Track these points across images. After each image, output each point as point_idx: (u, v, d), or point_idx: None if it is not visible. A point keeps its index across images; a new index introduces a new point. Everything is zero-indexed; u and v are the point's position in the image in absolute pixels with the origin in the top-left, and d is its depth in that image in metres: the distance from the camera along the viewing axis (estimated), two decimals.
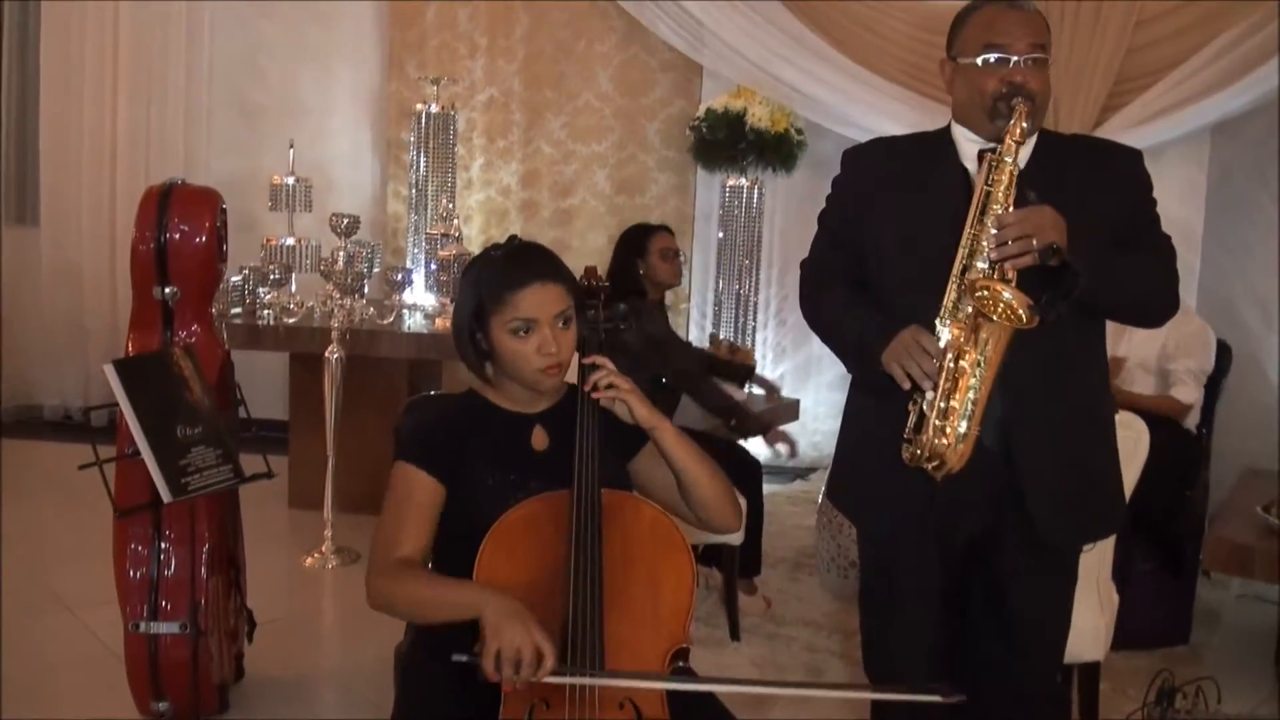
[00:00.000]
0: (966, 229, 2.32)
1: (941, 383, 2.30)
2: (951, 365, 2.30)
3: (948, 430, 2.31)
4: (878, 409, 2.50)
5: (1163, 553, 4.46)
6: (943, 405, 2.31)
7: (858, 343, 2.48)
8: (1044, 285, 2.25)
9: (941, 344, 2.32)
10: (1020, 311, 2.22)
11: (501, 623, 2.02)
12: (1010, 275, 2.27)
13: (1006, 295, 2.23)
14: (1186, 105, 5.65)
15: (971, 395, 2.29)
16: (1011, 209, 2.28)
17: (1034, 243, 2.22)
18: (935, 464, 2.34)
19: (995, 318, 2.23)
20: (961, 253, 2.33)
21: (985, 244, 2.29)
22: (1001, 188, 2.30)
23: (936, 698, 2.09)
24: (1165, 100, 5.69)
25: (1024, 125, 2.31)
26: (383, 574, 2.24)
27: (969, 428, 2.30)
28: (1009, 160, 2.31)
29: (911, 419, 2.37)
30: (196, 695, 3.29)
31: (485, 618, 2.04)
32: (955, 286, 2.33)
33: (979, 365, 2.28)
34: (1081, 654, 3.22)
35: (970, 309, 2.28)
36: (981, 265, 2.30)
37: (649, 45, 6.90)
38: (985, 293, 2.24)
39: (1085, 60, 5.73)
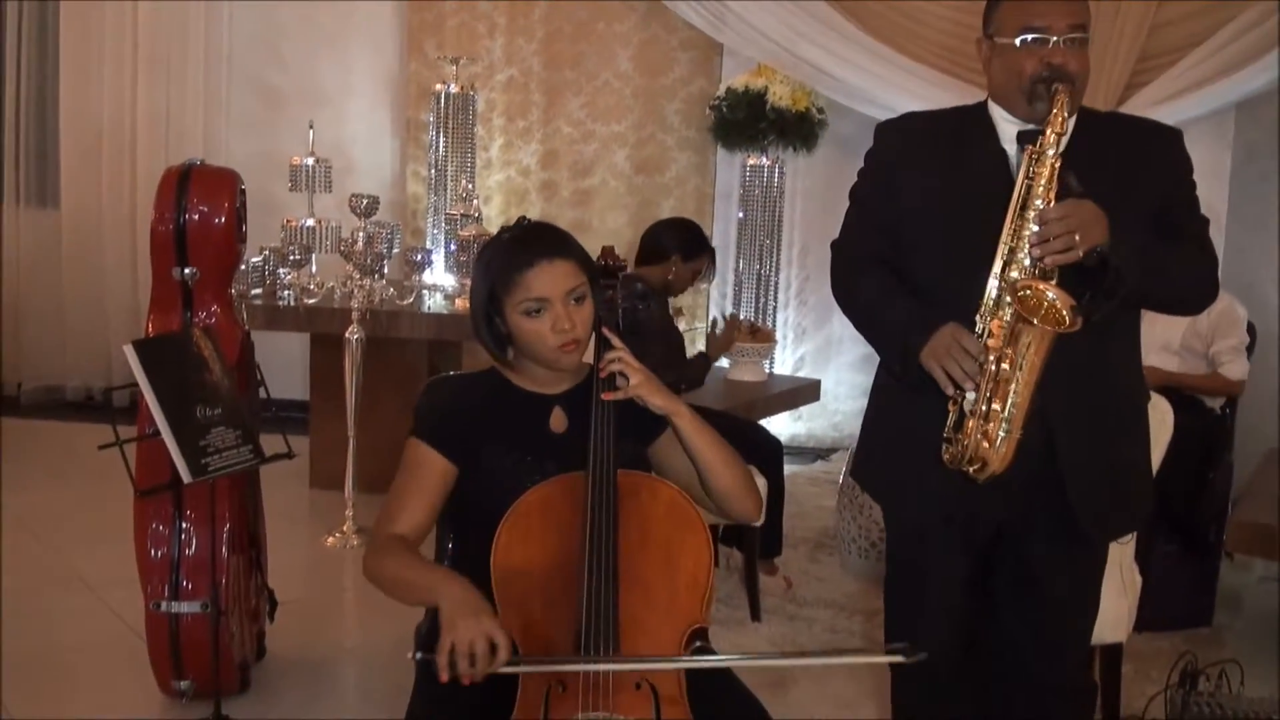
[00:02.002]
0: (1007, 224, 2.28)
1: (984, 385, 2.28)
2: (993, 368, 2.27)
3: (990, 433, 2.28)
4: (909, 395, 2.46)
5: (1186, 534, 4.44)
6: (984, 409, 2.28)
7: (898, 339, 2.43)
8: (1085, 284, 2.22)
9: (982, 343, 2.29)
10: (1064, 313, 2.18)
11: (455, 618, 2.02)
12: (1052, 273, 2.23)
13: (1050, 295, 2.20)
14: (1211, 83, 5.60)
15: (1013, 400, 2.26)
16: (1053, 203, 2.24)
17: (1077, 238, 2.19)
18: (977, 467, 2.32)
19: (1036, 321, 2.19)
20: (1002, 248, 2.29)
21: (1026, 239, 2.25)
22: (1042, 182, 2.25)
23: (900, 658, 2.09)
24: (1189, 77, 5.64)
25: (1065, 116, 2.26)
26: (373, 549, 2.29)
27: (1011, 430, 2.28)
28: (1050, 154, 2.25)
29: (951, 418, 2.34)
30: (218, 674, 3.30)
31: (441, 612, 2.05)
32: (996, 284, 2.29)
33: (1020, 369, 2.25)
34: (1104, 636, 3.20)
35: (1012, 311, 2.25)
36: (1024, 260, 2.25)
37: (669, 24, 6.86)
38: (1028, 292, 2.21)
39: (1109, 37, 5.68)
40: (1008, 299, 2.26)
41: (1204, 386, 4.67)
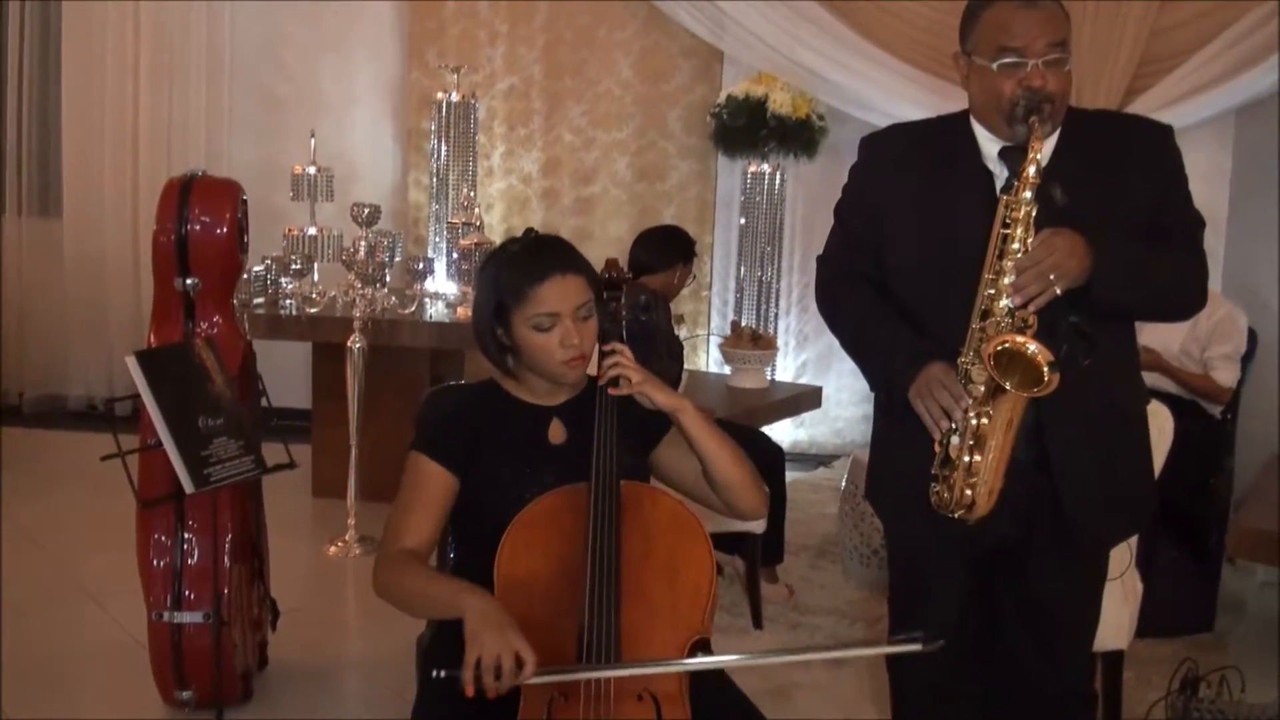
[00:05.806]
0: (985, 272, 2.27)
1: (965, 436, 2.28)
2: (974, 423, 2.27)
3: (973, 483, 2.29)
4: (906, 413, 2.45)
5: (1187, 540, 4.43)
6: (967, 460, 2.28)
7: (881, 366, 2.46)
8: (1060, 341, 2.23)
9: (964, 388, 2.29)
10: (1043, 369, 2.19)
11: (480, 631, 2.02)
12: (1031, 322, 2.23)
13: (1031, 348, 2.20)
14: (1211, 87, 5.60)
15: (991, 455, 2.27)
16: (1031, 242, 2.23)
17: (1052, 278, 2.20)
18: (963, 511, 2.32)
19: (1010, 386, 2.20)
20: (981, 294, 2.28)
21: (1003, 289, 2.25)
22: (1019, 229, 2.23)
23: (917, 646, 2.08)
24: (1190, 82, 5.65)
25: (1039, 161, 2.23)
26: (384, 565, 2.28)
27: (991, 482, 2.29)
28: (1027, 196, 2.23)
29: (939, 456, 2.35)
30: (220, 684, 3.31)
31: (465, 624, 2.04)
32: (976, 333, 2.28)
33: (999, 426, 2.26)
34: (1105, 643, 3.20)
35: (986, 377, 2.25)
36: (1003, 307, 2.25)
37: (669, 31, 6.86)
38: (1006, 346, 2.21)
39: (1109, 42, 5.68)
40: (987, 346, 2.25)
41: (1194, 384, 4.68)
